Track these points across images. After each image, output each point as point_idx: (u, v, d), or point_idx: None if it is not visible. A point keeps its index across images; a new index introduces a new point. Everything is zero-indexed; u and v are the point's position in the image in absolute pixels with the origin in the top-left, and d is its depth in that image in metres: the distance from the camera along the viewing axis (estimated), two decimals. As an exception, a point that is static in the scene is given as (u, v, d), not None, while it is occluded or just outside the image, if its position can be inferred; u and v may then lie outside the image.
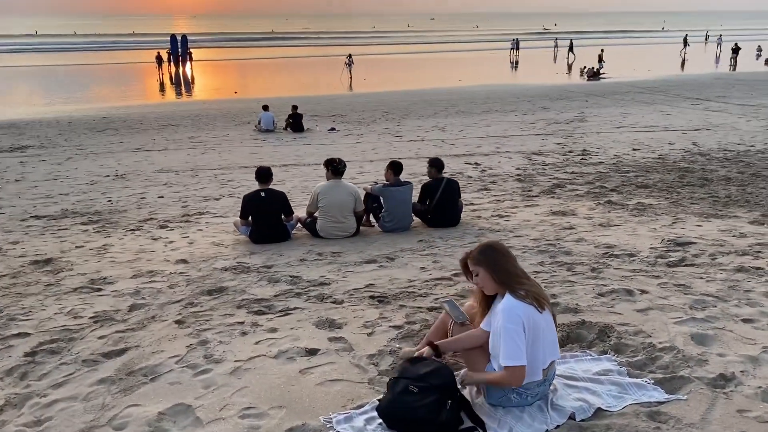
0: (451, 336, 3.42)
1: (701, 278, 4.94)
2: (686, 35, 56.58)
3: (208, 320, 4.59)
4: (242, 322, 4.50)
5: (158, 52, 40.00)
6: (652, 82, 30.32)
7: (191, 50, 43.33)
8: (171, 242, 7.24)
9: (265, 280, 5.55)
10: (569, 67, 42.64)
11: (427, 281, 5.28)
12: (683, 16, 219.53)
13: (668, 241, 6.15)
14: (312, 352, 3.93)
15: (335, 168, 7.19)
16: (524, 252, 6.09)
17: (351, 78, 36.33)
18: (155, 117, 21.85)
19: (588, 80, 33.64)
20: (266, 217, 6.99)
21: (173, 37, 43.43)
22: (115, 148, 15.69)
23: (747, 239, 6.11)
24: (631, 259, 5.67)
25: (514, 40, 52.59)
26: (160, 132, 18.55)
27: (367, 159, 13.73)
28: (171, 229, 7.94)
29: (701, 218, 7.14)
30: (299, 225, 7.50)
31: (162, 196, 10.26)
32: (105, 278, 5.85)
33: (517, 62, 47.26)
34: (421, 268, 5.74)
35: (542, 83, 32.80)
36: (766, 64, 41.38)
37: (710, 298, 4.47)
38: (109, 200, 10.01)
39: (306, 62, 50.22)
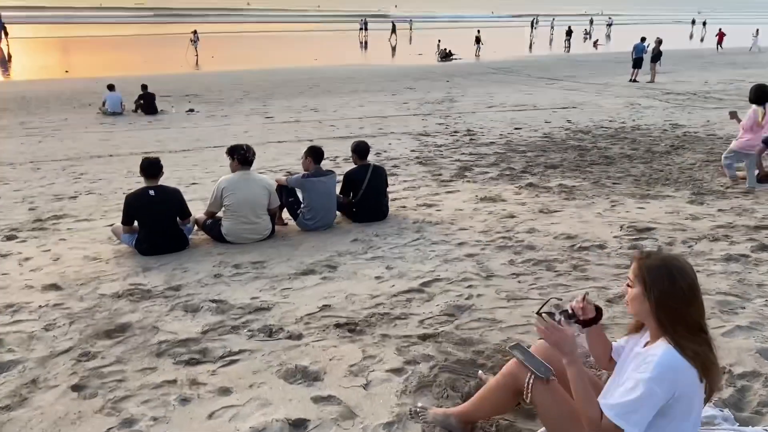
0: (528, 395, 2.44)
1: (699, 272, 4.46)
2: (534, 19, 60.15)
3: (121, 381, 3.26)
4: (174, 381, 3.23)
5: None
6: (502, 63, 31.31)
7: (5, 24, 37.60)
8: (27, 259, 5.56)
9: (179, 309, 4.24)
10: (393, 49, 43.15)
11: (395, 296, 4.31)
12: (512, 1, 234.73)
13: (628, 227, 5.71)
14: (299, 425, 2.80)
15: (243, 157, 5.92)
16: (483, 249, 5.32)
17: (197, 56, 33.72)
18: (-32, 100, 18.38)
19: (441, 61, 34.02)
20: (158, 221, 5.55)
21: (-19, 7, 37.47)
22: None
23: (702, 221, 5.85)
24: (604, 251, 5.13)
25: (362, 19, 52.22)
26: (-23, 119, 15.51)
27: (243, 143, 12.29)
28: (23, 241, 6.17)
29: (637, 199, 6.86)
30: (196, 228, 6.14)
31: (-2, 197, 8.21)
32: (-59, 323, 4.17)
33: (366, 42, 46.95)
34: (377, 277, 4.74)
35: (399, 64, 32.65)
36: (594, 46, 44.74)
37: (732, 298, 4.00)
38: (-76, 205, 7.80)
39: (142, 40, 45.97)
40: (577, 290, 4.24)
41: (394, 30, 47.98)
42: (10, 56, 33.26)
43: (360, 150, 6.49)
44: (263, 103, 18.39)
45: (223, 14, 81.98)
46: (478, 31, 41.01)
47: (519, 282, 4.52)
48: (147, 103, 16.19)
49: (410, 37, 53.14)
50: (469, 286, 4.44)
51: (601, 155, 9.91)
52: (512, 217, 6.34)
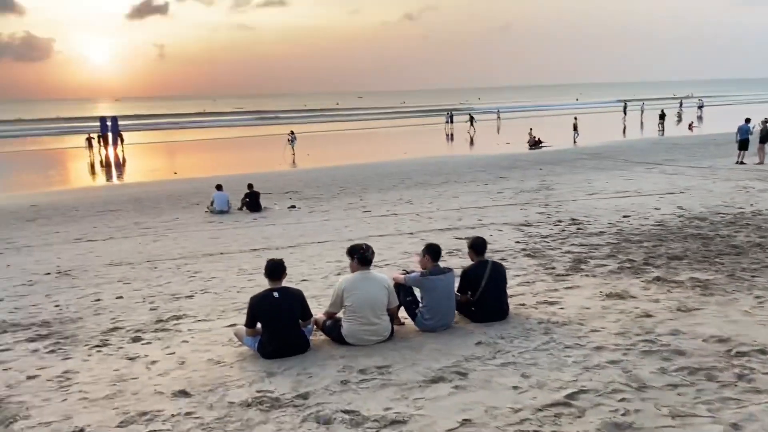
0: None
1: None
2: (626, 103, 59.87)
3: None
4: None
5: (89, 135, 38.03)
6: (594, 149, 30.82)
7: (122, 132, 41.35)
8: (154, 362, 5.63)
9: (311, 420, 4.08)
10: (471, 140, 43.64)
11: (540, 410, 3.97)
12: (597, 88, 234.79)
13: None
14: None
15: (363, 256, 5.86)
16: (625, 354, 4.89)
17: (294, 154, 35.34)
18: (91, 203, 19.87)
19: (531, 149, 33.96)
20: (282, 323, 5.51)
21: (103, 119, 41.44)
22: (51, 240, 13.73)
23: None
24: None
25: (448, 113, 53.61)
26: (100, 219, 16.65)
27: (345, 238, 12.41)
28: (148, 343, 6.31)
29: (786, 295, 6.22)
30: (315, 328, 6.06)
31: (121, 297, 8.54)
32: (81, 430, 4.21)
33: (452, 134, 47.82)
34: (514, 387, 4.42)
35: (485, 154, 32.79)
36: (689, 128, 43.44)
37: None
38: (57, 305, 8.21)
39: (242, 141, 49.07)
40: (751, 405, 3.74)
41: (472, 121, 48.98)
42: (124, 160, 36.20)
43: (477, 245, 6.32)
44: (360, 197, 18.77)
45: (317, 115, 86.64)
46: (575, 119, 41.01)
47: (679, 395, 4.06)
48: (252, 201, 16.89)
49: (498, 126, 53.81)
50: (622, 399, 4.03)
51: (728, 244, 9.24)
52: (648, 316, 5.87)
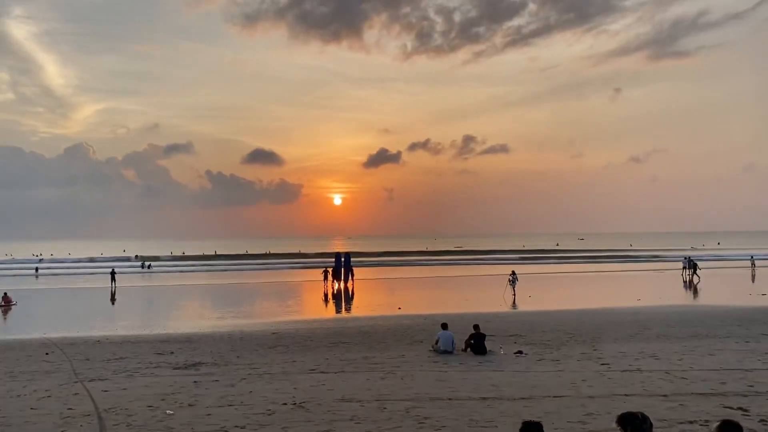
0: None
1: None
2: None
3: None
4: None
5: (325, 269, 41.79)
6: None
7: (353, 267, 44.51)
8: None
9: None
10: (689, 285, 38.69)
11: None
12: None
13: None
14: None
15: (638, 429, 4.89)
16: None
17: (514, 295, 34.40)
18: (324, 333, 20.93)
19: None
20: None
21: (337, 255, 45.15)
22: (288, 369, 14.42)
23: None
24: None
25: (685, 258, 48.98)
26: (331, 350, 17.29)
27: (584, 394, 11.14)
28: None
29: None
30: None
31: (352, 438, 8.33)
32: None
33: (690, 281, 43.16)
34: None
35: (735, 305, 28.60)
36: None
37: None
38: (293, 440, 8.24)
39: (462, 280, 49.55)
40: None
41: (695, 269, 44.38)
42: (353, 294, 38.35)
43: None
44: (592, 346, 17.19)
45: (537, 256, 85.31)
46: None
47: None
48: (477, 344, 16.32)
49: (753, 275, 47.61)
50: None
51: None
52: None
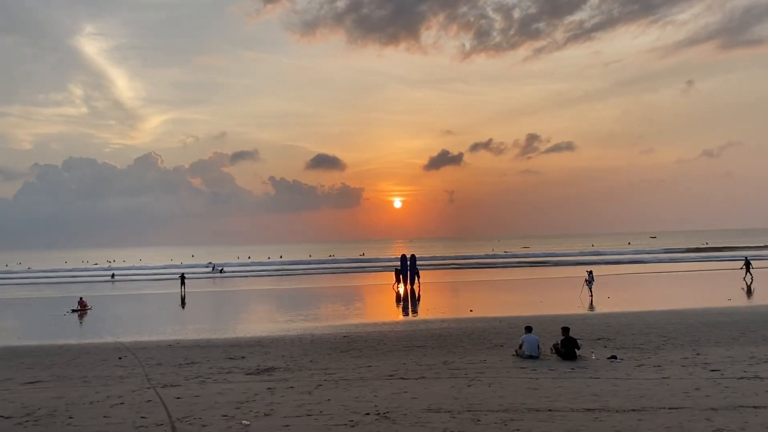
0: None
1: None
2: None
3: None
4: None
5: (396, 269, 41.46)
6: None
7: (419, 270, 43.53)
8: None
9: None
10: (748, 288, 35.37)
11: None
12: None
13: None
14: None
15: None
16: None
17: (591, 296, 32.58)
18: (396, 337, 20.05)
19: None
20: None
21: (403, 256, 44.22)
22: (365, 374, 13.59)
23: None
24: None
25: (745, 258, 45.37)
26: (407, 354, 16.39)
27: (705, 406, 9.80)
28: None
29: None
30: None
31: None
32: None
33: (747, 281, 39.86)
34: None
35: None
36: None
37: None
38: (383, 456, 7.36)
39: (532, 282, 47.77)
40: None
41: (748, 267, 40.90)
42: (420, 296, 37.35)
43: None
44: (694, 350, 15.66)
45: (607, 253, 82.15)
46: None
47: None
48: (568, 349, 15.05)
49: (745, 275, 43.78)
50: None
51: None
52: None
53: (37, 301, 41.51)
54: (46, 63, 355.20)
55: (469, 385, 12.00)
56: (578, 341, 15.61)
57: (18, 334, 25.51)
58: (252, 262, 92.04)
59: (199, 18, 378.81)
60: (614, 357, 15.03)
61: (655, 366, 13.72)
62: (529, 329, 15.86)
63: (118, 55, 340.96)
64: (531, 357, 15.26)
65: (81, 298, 34.78)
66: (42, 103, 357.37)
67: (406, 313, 29.39)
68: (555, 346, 15.46)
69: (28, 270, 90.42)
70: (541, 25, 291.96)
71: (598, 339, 18.38)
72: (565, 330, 15.49)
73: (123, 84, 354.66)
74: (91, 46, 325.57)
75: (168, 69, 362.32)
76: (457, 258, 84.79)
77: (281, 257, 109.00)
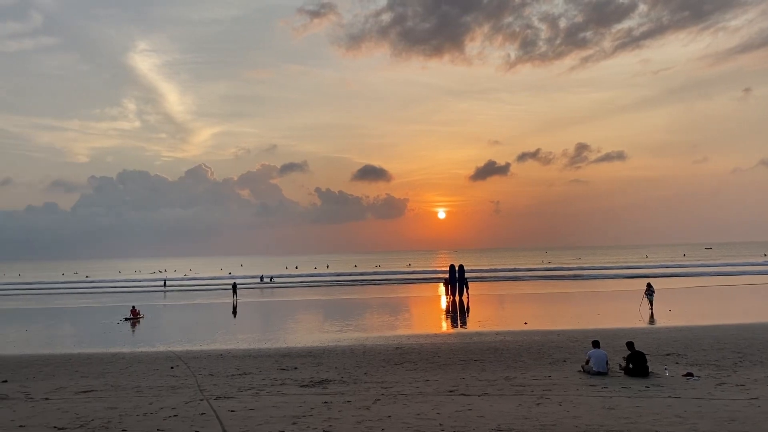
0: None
1: None
2: None
3: None
4: None
5: (445, 280, 40.70)
6: None
7: (468, 281, 42.61)
8: None
9: None
10: None
11: None
12: None
13: None
14: None
15: None
16: None
17: (652, 309, 31.09)
18: (451, 349, 19.33)
19: None
20: None
21: (452, 267, 43.38)
22: (423, 389, 12.94)
23: None
24: None
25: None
26: (465, 368, 15.67)
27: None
28: None
29: None
30: None
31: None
32: None
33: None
34: None
35: None
36: None
37: None
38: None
39: (585, 294, 46.20)
40: None
41: None
42: (468, 308, 36.42)
43: None
44: (778, 369, 14.44)
45: (661, 266, 79.32)
46: None
47: None
48: (638, 365, 14.08)
49: None
50: None
51: None
52: None
53: (92, 310, 42.29)
54: (101, 79, 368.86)
55: (538, 404, 11.22)
56: (646, 356, 14.63)
57: (73, 341, 25.80)
58: (299, 273, 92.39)
59: (247, 33, 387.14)
60: (690, 374, 13.98)
61: (738, 385, 12.65)
62: (596, 344, 14.94)
63: (168, 71, 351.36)
64: (599, 373, 14.34)
65: (134, 307, 35.19)
66: (98, 117, 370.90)
67: (455, 324, 28.58)
68: (626, 361, 14.50)
69: (86, 278, 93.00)
70: (588, 33, 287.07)
71: (667, 354, 17.29)
72: (631, 345, 14.53)
73: (174, 98, 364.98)
74: (144, 62, 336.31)
75: (217, 83, 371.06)
76: (506, 270, 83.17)
77: (327, 267, 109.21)
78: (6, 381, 15.67)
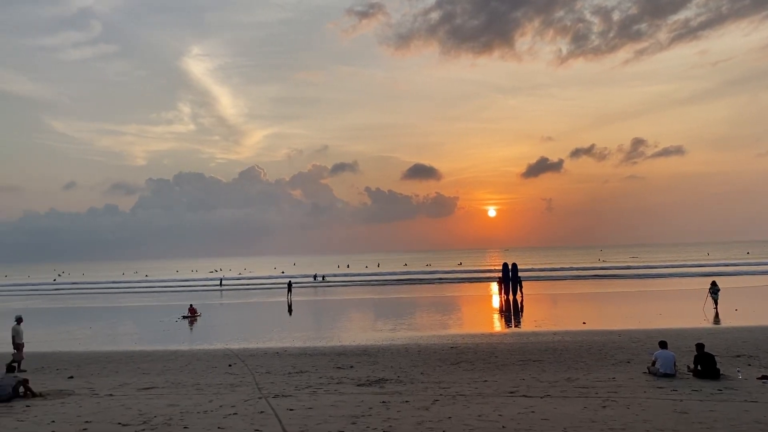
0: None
1: None
2: None
3: None
4: None
5: (499, 279, 40.23)
6: None
7: (522, 280, 41.84)
8: None
9: None
10: None
11: None
12: None
13: None
14: None
15: None
16: None
17: (716, 308, 29.81)
18: (508, 349, 18.93)
19: None
20: None
21: (505, 265, 42.69)
22: (483, 389, 12.66)
23: None
24: None
25: None
26: (523, 369, 15.29)
27: None
28: None
29: None
30: None
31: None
32: None
33: None
34: None
35: None
36: None
37: None
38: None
39: (644, 293, 44.77)
40: None
41: None
42: (523, 307, 35.77)
43: None
44: None
45: (725, 264, 76.35)
46: None
47: None
48: (708, 367, 13.42)
49: None
50: None
51: None
52: None
53: (152, 308, 43.50)
54: (157, 84, 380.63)
55: (604, 406, 10.79)
56: (715, 358, 13.94)
57: (134, 339, 26.53)
58: (351, 272, 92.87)
59: (297, 36, 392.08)
60: (766, 377, 13.23)
61: (821, 390, 11.88)
62: (663, 344, 14.32)
63: (221, 74, 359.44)
64: (666, 375, 13.74)
65: (191, 305, 35.97)
66: (154, 121, 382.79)
67: (510, 324, 28.06)
68: (694, 362, 13.84)
69: (145, 278, 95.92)
70: (643, 26, 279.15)
71: (737, 356, 16.49)
72: (700, 346, 13.86)
73: (227, 101, 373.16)
74: (197, 66, 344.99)
75: (268, 86, 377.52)
76: (560, 269, 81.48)
77: (378, 266, 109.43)
78: (72, 377, 16.16)
